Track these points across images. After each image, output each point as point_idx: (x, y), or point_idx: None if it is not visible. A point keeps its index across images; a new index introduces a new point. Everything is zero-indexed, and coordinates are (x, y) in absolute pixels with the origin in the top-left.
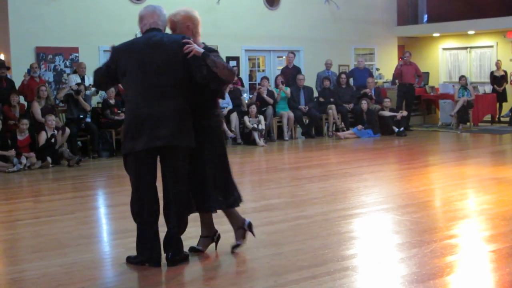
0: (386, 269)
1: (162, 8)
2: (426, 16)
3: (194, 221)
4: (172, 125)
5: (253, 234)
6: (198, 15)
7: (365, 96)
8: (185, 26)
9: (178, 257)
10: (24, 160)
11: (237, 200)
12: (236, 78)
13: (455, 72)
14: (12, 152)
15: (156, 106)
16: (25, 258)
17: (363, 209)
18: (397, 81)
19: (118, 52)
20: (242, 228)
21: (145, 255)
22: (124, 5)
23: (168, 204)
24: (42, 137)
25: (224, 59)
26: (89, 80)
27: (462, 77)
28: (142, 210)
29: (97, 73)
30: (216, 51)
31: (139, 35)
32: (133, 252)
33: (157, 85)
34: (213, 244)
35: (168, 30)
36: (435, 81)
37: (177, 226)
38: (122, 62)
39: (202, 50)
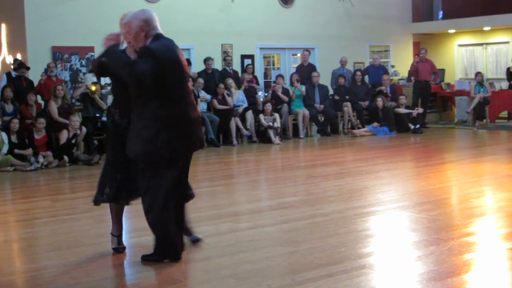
0: (403, 267)
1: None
2: (441, 12)
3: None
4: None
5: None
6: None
7: (381, 93)
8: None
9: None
10: (41, 159)
11: None
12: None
13: (471, 68)
14: (29, 151)
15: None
16: (43, 256)
17: (380, 207)
18: (412, 78)
19: (163, 56)
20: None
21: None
22: (139, 5)
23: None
24: (64, 135)
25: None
26: (105, 79)
27: (478, 74)
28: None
29: (139, 64)
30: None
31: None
32: (149, 250)
33: (189, 91)
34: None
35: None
36: (451, 77)
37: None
38: (167, 67)
39: None
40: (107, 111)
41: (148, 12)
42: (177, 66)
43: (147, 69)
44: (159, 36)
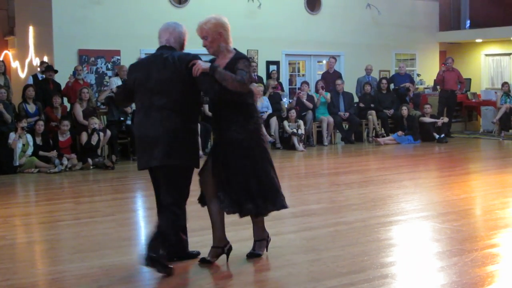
0: (426, 277)
1: (179, 25)
2: (468, 21)
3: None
4: (166, 145)
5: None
6: (228, 21)
7: (407, 90)
8: (217, 33)
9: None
10: (65, 161)
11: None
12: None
13: (497, 78)
14: (53, 153)
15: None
16: (66, 258)
17: (403, 216)
18: (438, 87)
19: (132, 69)
20: (265, 240)
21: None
22: (165, 9)
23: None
24: (83, 137)
25: (264, 64)
26: (116, 82)
27: (504, 84)
28: None
29: (118, 90)
30: (246, 58)
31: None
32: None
33: (156, 105)
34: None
35: (196, 39)
36: (477, 87)
37: None
38: (132, 78)
39: (209, 65)
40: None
41: (164, 26)
42: (139, 80)
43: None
44: (159, 49)
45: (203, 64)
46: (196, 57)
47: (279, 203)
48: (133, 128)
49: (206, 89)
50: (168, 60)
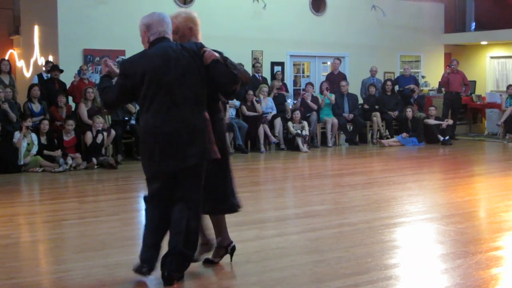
0: (430, 279)
1: (167, 16)
2: (474, 23)
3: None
4: (202, 141)
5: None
6: (197, 16)
7: (412, 92)
8: (188, 27)
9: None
10: (70, 161)
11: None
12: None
13: (502, 81)
14: (58, 153)
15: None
16: (70, 258)
17: (407, 218)
18: (443, 89)
19: (132, 65)
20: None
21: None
22: (170, 8)
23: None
24: (88, 137)
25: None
26: None
27: (510, 86)
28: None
29: (107, 93)
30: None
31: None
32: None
33: (179, 100)
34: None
35: None
36: (482, 90)
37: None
38: (138, 75)
39: (218, 54)
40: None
41: (153, 16)
42: (151, 75)
43: (112, 97)
44: (159, 41)
45: (212, 51)
46: (203, 45)
47: None
48: (151, 129)
49: (225, 73)
50: (183, 51)
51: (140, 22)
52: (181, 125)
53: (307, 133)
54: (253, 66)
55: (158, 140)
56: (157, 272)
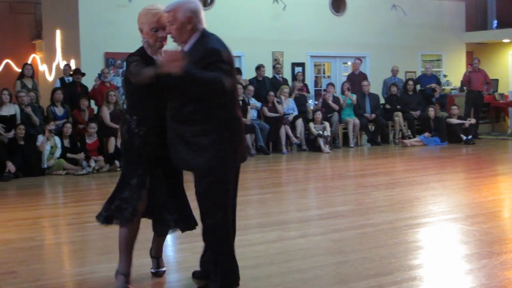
0: (454, 280)
1: None
2: (495, 21)
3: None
4: None
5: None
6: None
7: (433, 91)
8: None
9: None
10: (92, 163)
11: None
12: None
13: None
14: (81, 155)
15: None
16: (94, 259)
17: (431, 218)
18: (465, 88)
19: (229, 54)
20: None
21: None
22: None
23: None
24: (111, 143)
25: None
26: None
27: None
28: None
29: (223, 79)
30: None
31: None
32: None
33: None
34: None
35: None
36: (504, 88)
37: None
38: (226, 59)
39: None
40: (122, 119)
41: (197, 2)
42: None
43: (231, 82)
44: (206, 31)
45: None
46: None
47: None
48: (228, 116)
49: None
50: None
51: (182, 7)
52: None
53: (329, 133)
54: (274, 67)
55: (238, 129)
56: (183, 272)
